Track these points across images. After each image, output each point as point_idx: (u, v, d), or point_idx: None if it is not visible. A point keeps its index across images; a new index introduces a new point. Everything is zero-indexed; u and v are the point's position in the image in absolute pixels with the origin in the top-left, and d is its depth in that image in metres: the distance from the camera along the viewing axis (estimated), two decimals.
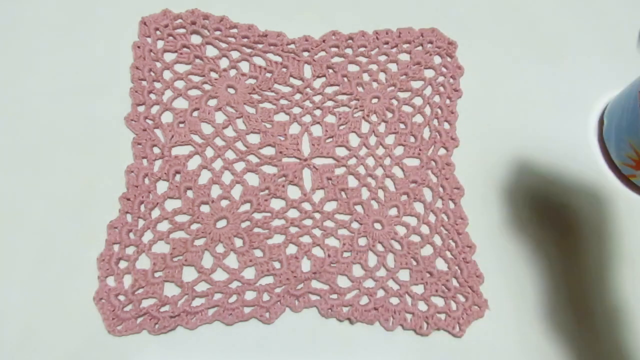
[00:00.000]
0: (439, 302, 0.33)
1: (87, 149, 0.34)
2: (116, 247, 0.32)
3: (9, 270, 0.31)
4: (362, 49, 0.38)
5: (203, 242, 0.32)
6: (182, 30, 0.37)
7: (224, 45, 0.37)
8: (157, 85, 0.35)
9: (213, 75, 0.36)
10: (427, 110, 0.37)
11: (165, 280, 0.31)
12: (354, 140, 0.36)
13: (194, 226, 0.33)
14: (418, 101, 0.37)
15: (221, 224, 0.33)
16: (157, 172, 0.33)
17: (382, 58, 0.38)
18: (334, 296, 0.32)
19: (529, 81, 0.39)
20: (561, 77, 0.39)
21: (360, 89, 0.37)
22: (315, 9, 0.39)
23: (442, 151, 0.36)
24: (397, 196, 0.35)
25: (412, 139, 0.36)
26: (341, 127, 0.36)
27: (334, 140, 0.36)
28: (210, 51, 0.37)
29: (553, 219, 0.35)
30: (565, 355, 0.32)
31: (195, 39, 0.37)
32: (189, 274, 0.32)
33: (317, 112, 0.36)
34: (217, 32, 0.37)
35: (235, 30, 0.37)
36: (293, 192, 0.34)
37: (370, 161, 0.36)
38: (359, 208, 0.34)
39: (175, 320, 0.31)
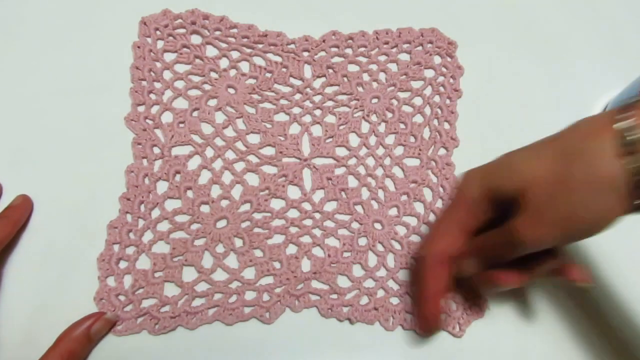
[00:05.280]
0: None
1: (87, 148, 0.34)
2: (116, 247, 0.32)
3: (9, 270, 0.31)
4: (362, 49, 0.38)
5: (203, 242, 0.32)
6: (182, 30, 0.37)
7: (224, 45, 0.37)
8: (157, 85, 0.35)
9: (213, 75, 0.36)
10: (427, 110, 0.37)
11: (166, 281, 0.31)
12: (354, 140, 0.36)
13: (194, 226, 0.33)
14: (418, 101, 0.37)
15: (221, 224, 0.33)
16: (157, 172, 0.33)
17: (382, 58, 0.38)
18: (334, 296, 0.32)
19: (529, 81, 0.39)
20: (561, 77, 0.39)
21: (360, 89, 0.37)
22: (315, 9, 0.39)
23: (442, 151, 0.36)
24: (397, 196, 0.35)
25: (412, 139, 0.36)
26: (341, 127, 0.36)
27: (334, 140, 0.36)
28: (210, 51, 0.37)
29: None
30: (565, 355, 0.32)
31: (195, 39, 0.37)
32: (189, 274, 0.32)
33: (317, 112, 0.36)
34: (217, 32, 0.37)
35: (235, 30, 0.37)
36: (293, 192, 0.34)
37: (370, 161, 0.36)
38: (359, 208, 0.34)
39: (176, 321, 0.31)
